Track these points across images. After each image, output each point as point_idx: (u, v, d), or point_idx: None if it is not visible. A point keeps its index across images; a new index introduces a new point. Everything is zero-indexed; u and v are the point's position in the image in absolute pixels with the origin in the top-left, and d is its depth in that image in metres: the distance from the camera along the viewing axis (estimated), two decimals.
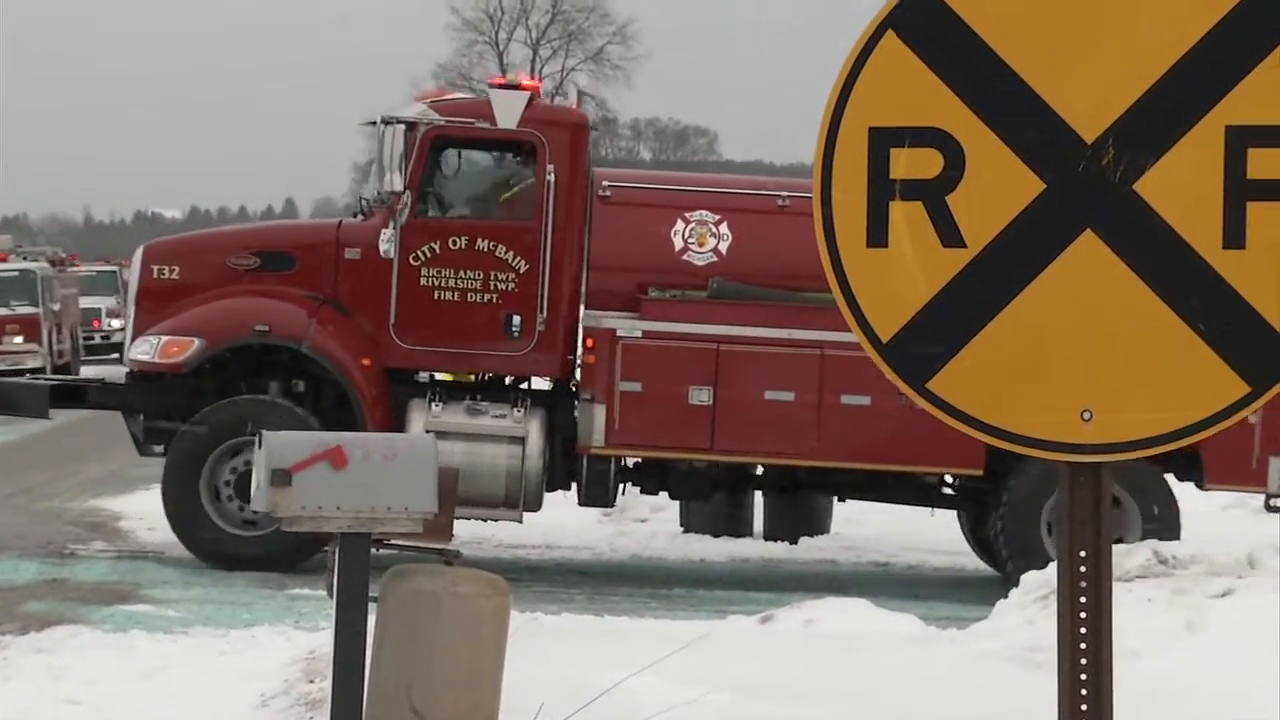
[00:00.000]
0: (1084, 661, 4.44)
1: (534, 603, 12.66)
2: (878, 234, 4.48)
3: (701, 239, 14.55)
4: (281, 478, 6.38)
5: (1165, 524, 14.22)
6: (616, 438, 14.35)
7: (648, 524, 17.54)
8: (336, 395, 14.59)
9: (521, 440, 14.28)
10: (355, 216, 15.25)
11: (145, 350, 14.54)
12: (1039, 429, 4.45)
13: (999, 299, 4.43)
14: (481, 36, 72.14)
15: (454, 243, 14.52)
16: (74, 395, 15.26)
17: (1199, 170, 4.34)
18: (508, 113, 14.38)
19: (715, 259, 14.52)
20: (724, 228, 14.55)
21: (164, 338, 14.50)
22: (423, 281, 14.50)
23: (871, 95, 4.46)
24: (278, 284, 14.68)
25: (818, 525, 17.26)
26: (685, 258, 14.59)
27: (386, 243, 14.37)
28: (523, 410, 14.39)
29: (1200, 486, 14.69)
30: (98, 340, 44.53)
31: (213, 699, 9.00)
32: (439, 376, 14.98)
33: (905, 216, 4.46)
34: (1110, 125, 4.37)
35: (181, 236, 17.14)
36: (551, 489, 14.72)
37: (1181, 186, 4.35)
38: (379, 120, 14.35)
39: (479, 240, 14.53)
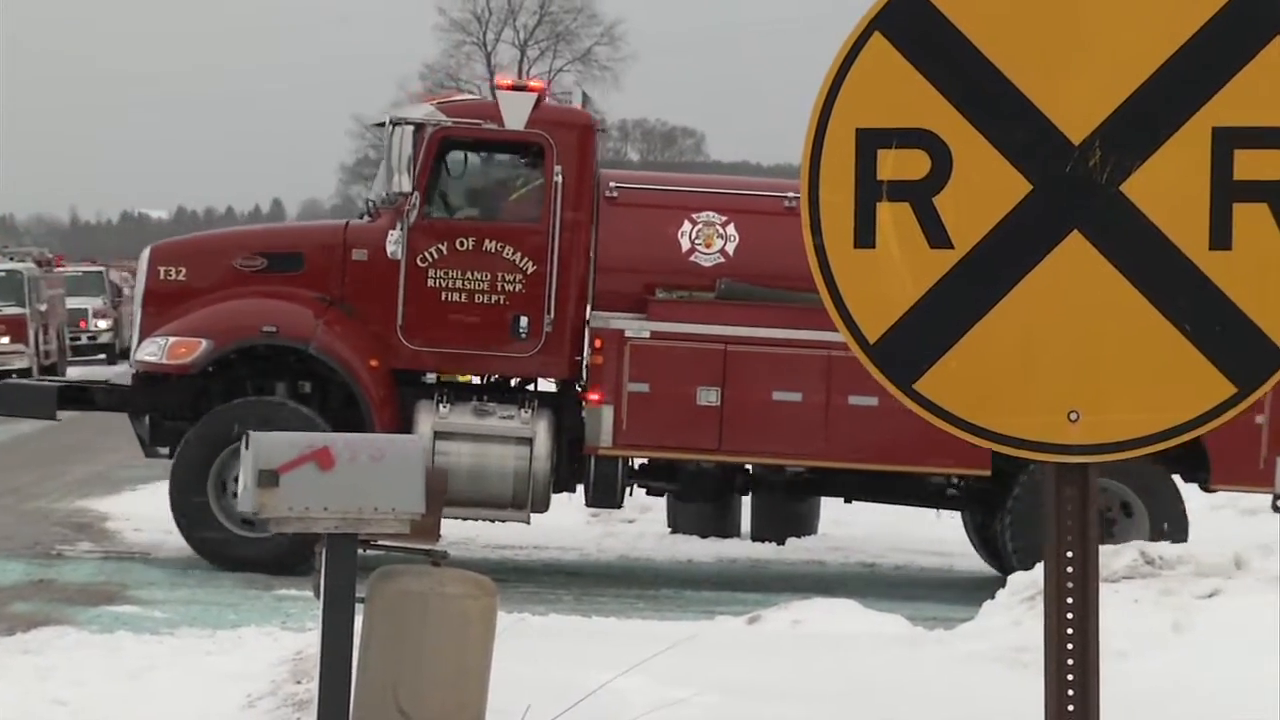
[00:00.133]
0: (1071, 662, 4.44)
1: (521, 603, 12.65)
2: (865, 235, 4.48)
3: (708, 240, 14.56)
4: (268, 478, 6.38)
5: (1173, 526, 14.21)
6: (624, 438, 14.35)
7: (635, 525, 17.54)
8: (343, 396, 14.58)
9: (529, 441, 14.28)
10: (361, 218, 15.25)
11: (152, 351, 14.52)
12: (1026, 430, 4.46)
13: (986, 300, 4.44)
14: (469, 37, 72.18)
15: (461, 244, 14.52)
16: (81, 396, 15.24)
17: (1186, 171, 4.35)
18: (515, 114, 14.37)
19: (722, 260, 14.53)
20: (731, 229, 14.57)
21: (171, 339, 14.48)
22: (430, 283, 14.49)
23: (858, 96, 4.46)
24: (285, 285, 14.66)
25: (805, 526, 17.27)
26: (692, 259, 14.61)
27: (394, 244, 14.38)
28: (530, 411, 14.39)
29: (1205, 487, 14.69)
30: (84, 341, 44.45)
31: (199, 700, 8.99)
32: (445, 377, 14.97)
33: (892, 217, 4.46)
34: (1097, 126, 4.37)
35: (188, 238, 17.13)
36: (558, 490, 14.72)
37: (1168, 188, 4.36)
38: (387, 121, 14.36)
39: (486, 241, 14.53)
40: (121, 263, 54.59)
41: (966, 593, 13.77)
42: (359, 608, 6.66)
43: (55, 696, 9.03)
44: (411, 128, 14.20)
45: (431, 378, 14.90)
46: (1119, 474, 14.13)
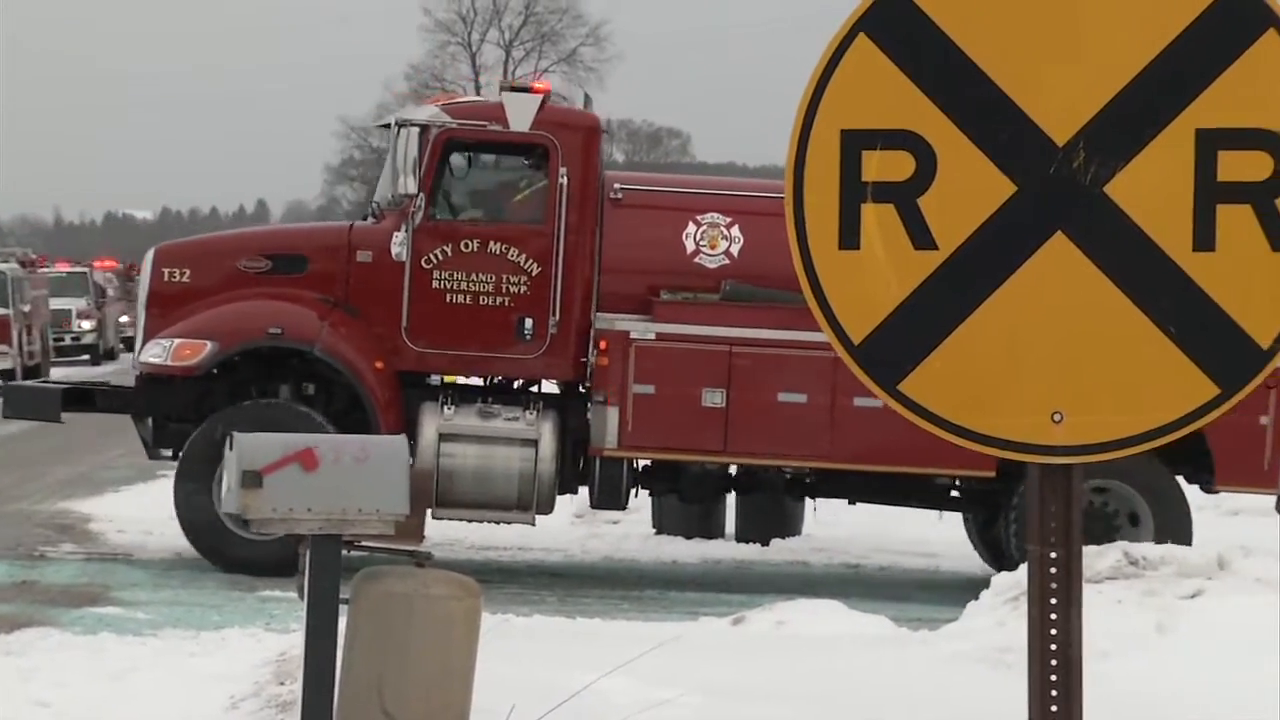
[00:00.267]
0: (1054, 663, 4.45)
1: (506, 604, 12.64)
2: (850, 236, 4.49)
3: (713, 241, 14.57)
4: (252, 479, 6.37)
5: (1178, 528, 14.21)
6: (629, 440, 14.35)
7: (620, 525, 17.53)
8: (347, 398, 14.56)
9: (534, 443, 14.26)
10: (365, 219, 15.22)
11: (157, 353, 14.49)
12: (1010, 431, 4.47)
13: (970, 301, 4.44)
14: (454, 38, 72.14)
15: (466, 245, 14.50)
16: (84, 398, 15.21)
17: (1169, 173, 4.36)
18: (520, 116, 14.35)
19: (727, 261, 14.54)
20: (735, 230, 14.57)
21: (176, 341, 14.45)
22: (435, 284, 14.47)
23: (843, 98, 4.47)
24: (289, 287, 14.63)
25: (789, 527, 17.27)
26: (697, 260, 14.62)
27: (398, 245, 14.36)
28: (535, 413, 14.38)
29: (1207, 489, 14.70)
30: (68, 342, 44.37)
31: (182, 701, 8.98)
32: (448, 379, 14.97)
33: (877, 219, 4.47)
34: (1081, 128, 4.38)
35: (192, 239, 17.10)
36: (561, 492, 14.72)
37: (1152, 189, 4.37)
38: (393, 123, 14.33)
39: (491, 243, 14.51)
40: (104, 263, 54.54)
41: (950, 593, 13.77)
42: (343, 609, 6.65)
43: (38, 698, 9.01)
44: (418, 129, 14.18)
45: (436, 379, 14.89)
46: (1128, 478, 14.16)
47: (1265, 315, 4.36)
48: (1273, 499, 14.45)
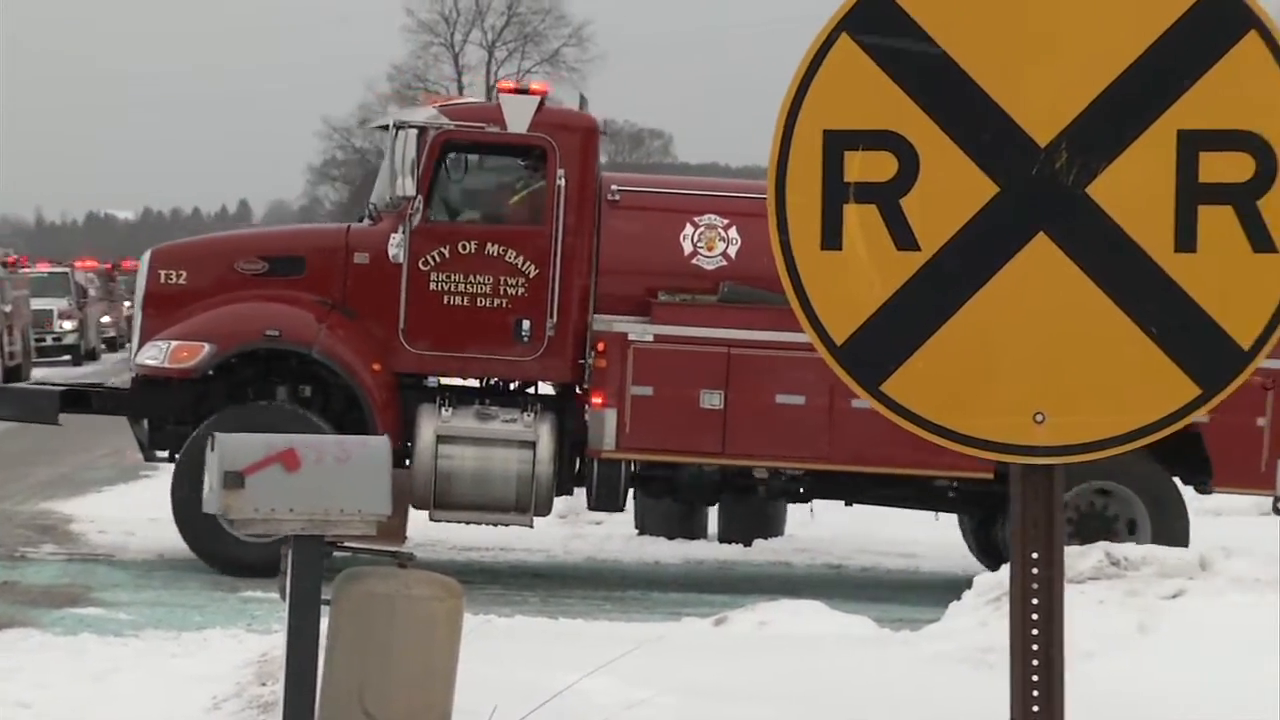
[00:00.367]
0: (1036, 663, 4.45)
1: (488, 605, 12.64)
2: (832, 237, 4.49)
3: (710, 243, 14.57)
4: (234, 480, 6.36)
5: (1175, 529, 14.23)
6: (627, 442, 14.35)
7: (602, 526, 17.53)
8: (344, 400, 14.54)
9: (532, 445, 14.26)
10: (361, 220, 15.19)
11: (154, 355, 14.46)
12: (992, 431, 4.47)
13: (952, 302, 4.45)
14: (437, 39, 72.12)
15: (464, 247, 14.49)
16: (81, 400, 15.17)
17: (1151, 174, 4.36)
18: (518, 117, 14.34)
19: (724, 263, 14.54)
20: (733, 232, 14.57)
21: (174, 343, 14.42)
22: (432, 286, 14.46)
23: (825, 98, 4.47)
24: (286, 289, 14.62)
25: (772, 527, 17.28)
26: (694, 262, 14.63)
27: (396, 247, 14.35)
28: (532, 415, 14.37)
29: (1203, 490, 14.73)
30: (49, 342, 44.26)
31: (164, 702, 8.96)
32: (446, 381, 14.96)
33: (859, 219, 4.47)
34: (1063, 129, 4.39)
35: (188, 241, 17.07)
36: (559, 493, 14.72)
37: (1134, 190, 4.37)
38: (391, 125, 14.31)
39: (489, 245, 14.50)
40: (86, 263, 54.41)
41: (932, 594, 13.78)
42: (325, 609, 6.65)
43: (18, 699, 8.98)
44: (415, 131, 14.16)
45: (433, 381, 14.88)
46: (1126, 480, 14.19)
47: (1246, 316, 4.37)
48: (1270, 501, 14.52)
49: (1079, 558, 10.98)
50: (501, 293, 14.47)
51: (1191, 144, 4.34)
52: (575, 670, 8.06)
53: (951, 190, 4.43)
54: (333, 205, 77.82)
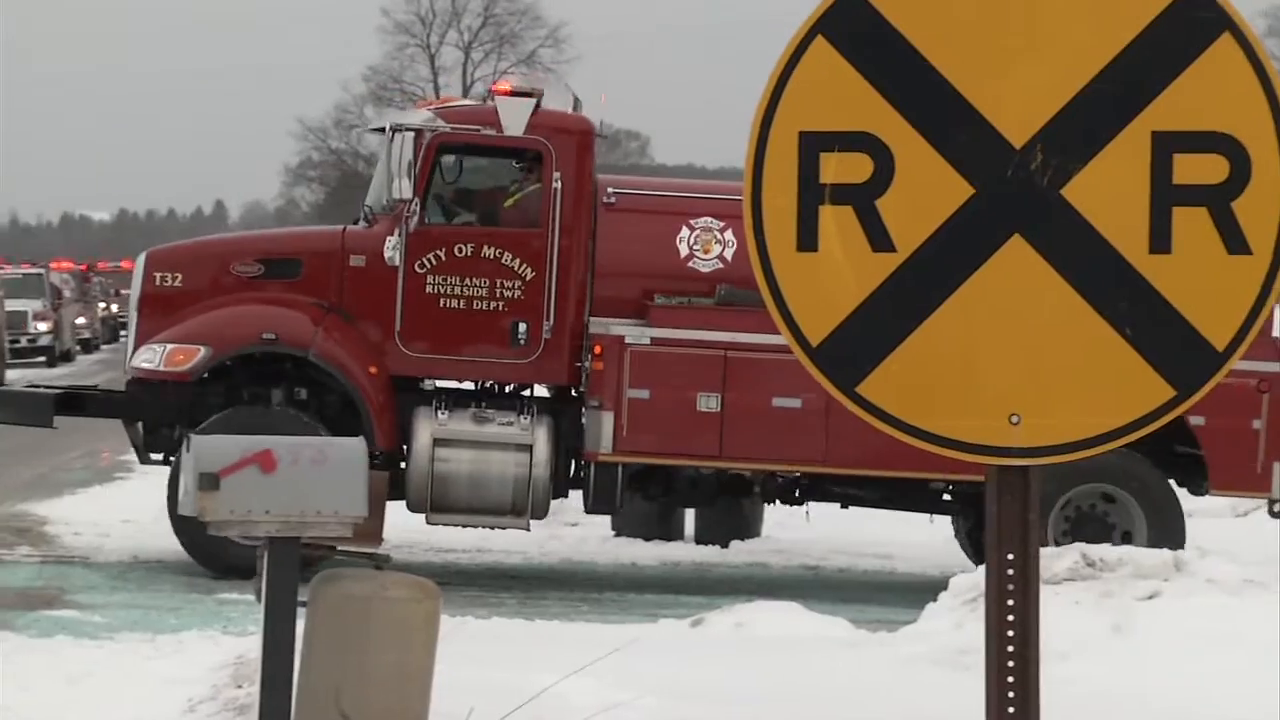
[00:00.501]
0: (1011, 664, 4.46)
1: (464, 606, 12.62)
2: (808, 238, 4.50)
3: (707, 246, 14.58)
4: (209, 482, 6.34)
5: (1171, 531, 14.25)
6: (624, 444, 14.34)
7: (579, 528, 17.52)
8: (340, 403, 14.52)
9: (529, 448, 14.25)
10: (356, 223, 15.17)
11: (149, 358, 14.42)
12: (967, 433, 4.48)
13: (928, 303, 4.45)
14: (413, 39, 71.95)
15: (460, 250, 14.47)
16: (76, 403, 15.11)
17: (1126, 175, 4.38)
18: (514, 120, 14.32)
19: (721, 265, 14.53)
20: (729, 234, 14.57)
21: (170, 345, 14.38)
22: (428, 289, 14.44)
23: (801, 100, 4.47)
24: (282, 291, 14.59)
25: (749, 529, 17.29)
26: (690, 264, 14.63)
27: (392, 250, 14.34)
28: (529, 418, 14.36)
29: (1197, 492, 14.76)
30: (24, 344, 44.11)
31: (139, 704, 8.94)
32: (441, 384, 14.95)
33: (835, 221, 4.47)
34: (1038, 131, 4.40)
35: (184, 243, 17.03)
36: (555, 496, 14.72)
37: (1108, 192, 4.39)
38: (387, 127, 14.29)
39: (485, 247, 14.49)
40: (61, 264, 54.26)
41: (909, 595, 13.80)
42: (301, 611, 6.63)
43: None
44: (412, 134, 14.14)
45: (430, 384, 14.87)
46: (1122, 482, 14.22)
47: (1220, 318, 4.38)
48: (1266, 503, 14.58)
49: (1054, 559, 11.00)
50: (498, 295, 14.46)
51: (1166, 146, 4.36)
52: (552, 672, 8.05)
53: (927, 192, 4.44)
54: (309, 207, 77.65)
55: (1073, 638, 9.46)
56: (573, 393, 14.68)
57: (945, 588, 11.22)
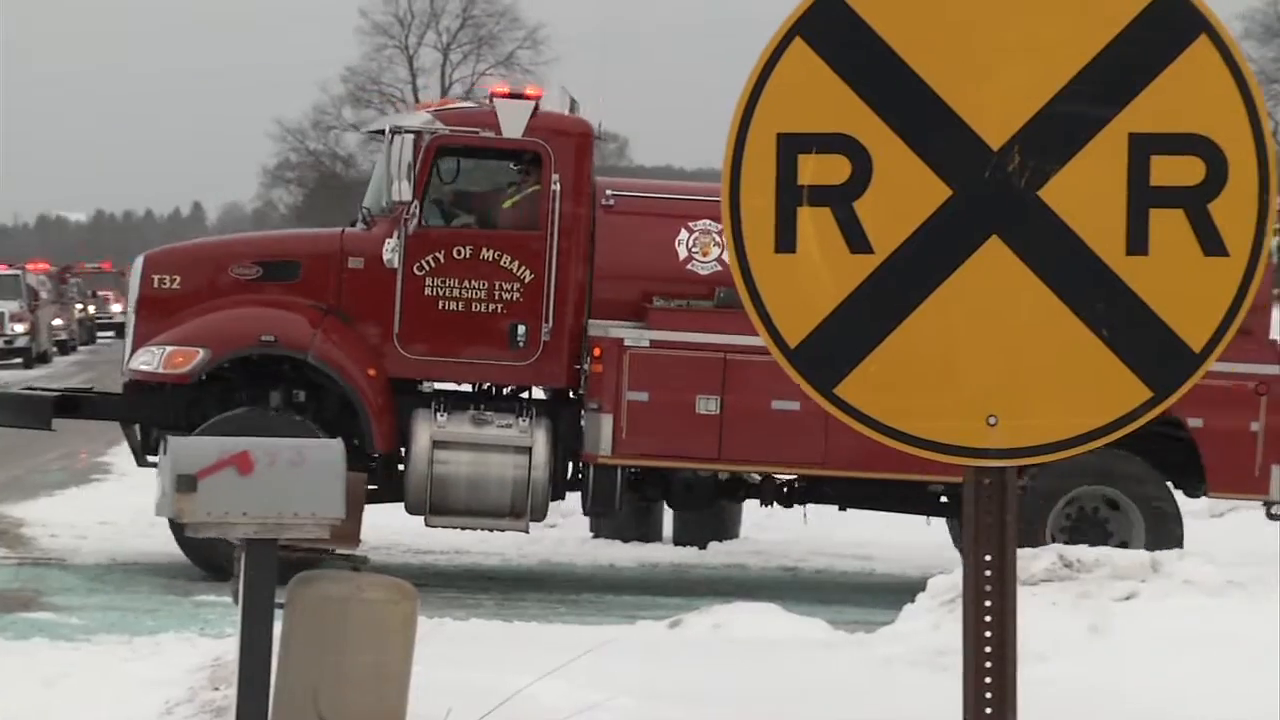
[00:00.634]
0: (989, 665, 4.47)
1: (442, 608, 12.60)
2: (786, 240, 4.50)
3: (705, 248, 14.59)
4: (186, 483, 6.32)
5: (1169, 532, 14.28)
6: (624, 447, 14.34)
7: (557, 529, 17.50)
8: (337, 405, 14.50)
9: (528, 450, 14.24)
10: (353, 225, 15.15)
11: (147, 360, 14.38)
12: (945, 434, 4.48)
13: (906, 305, 4.46)
14: (391, 41, 71.83)
15: (458, 252, 14.47)
16: (72, 405, 15.06)
17: (1103, 177, 4.38)
18: (513, 122, 14.31)
19: (720, 268, 14.53)
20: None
21: (168, 348, 14.36)
22: (427, 291, 14.44)
23: (779, 101, 4.48)
24: (281, 294, 14.58)
25: (727, 530, 17.30)
26: (689, 267, 14.64)
27: (390, 252, 14.33)
28: (528, 420, 14.36)
29: (1191, 494, 14.78)
30: (0, 346, 43.95)
31: (116, 706, 8.91)
32: (439, 386, 14.94)
33: (813, 222, 4.48)
34: (1016, 132, 4.40)
35: (182, 245, 17.01)
36: (553, 498, 14.71)
37: (1086, 193, 4.39)
38: (387, 130, 14.28)
39: (484, 250, 14.49)
40: (37, 265, 54.08)
41: (887, 596, 13.81)
42: (278, 613, 6.62)
43: None
44: (412, 136, 14.13)
45: (428, 386, 14.86)
46: (1120, 484, 14.25)
47: (1197, 319, 4.39)
48: (1263, 505, 14.63)
49: (1032, 560, 11.02)
50: (497, 297, 14.46)
51: (1143, 147, 4.36)
52: (530, 673, 8.05)
53: (905, 193, 4.44)
54: (287, 208, 77.50)
55: (1050, 638, 9.48)
56: (570, 395, 14.68)
57: (923, 589, 11.24)
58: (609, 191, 14.81)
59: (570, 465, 14.69)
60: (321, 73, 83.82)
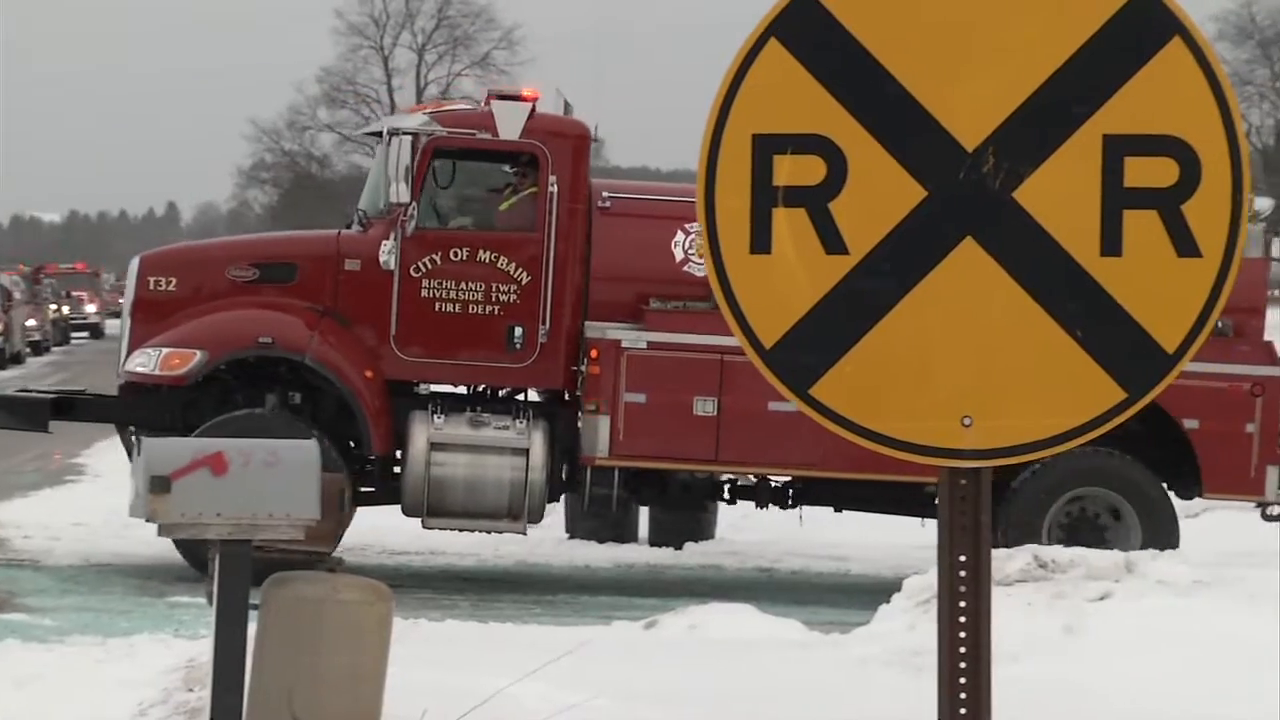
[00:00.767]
0: (963, 665, 4.47)
1: (417, 609, 12.58)
2: (761, 240, 4.50)
3: (701, 250, 14.57)
4: (160, 484, 6.31)
5: (1165, 533, 14.30)
6: (621, 449, 14.33)
7: (532, 530, 17.48)
8: (334, 407, 14.47)
9: (525, 452, 14.23)
10: (349, 226, 15.13)
11: (144, 362, 14.34)
12: (920, 434, 4.49)
13: (880, 306, 4.46)
14: (367, 41, 71.74)
15: (455, 254, 14.46)
16: (68, 408, 15.00)
17: (1077, 178, 4.39)
18: (510, 124, 14.30)
19: None
20: None
21: (165, 349, 14.31)
22: (424, 293, 14.41)
23: (754, 102, 4.48)
24: (277, 296, 14.54)
25: (703, 531, 17.30)
26: (686, 269, 14.65)
27: (387, 254, 14.31)
28: (525, 422, 14.35)
29: (1185, 496, 14.80)
30: None
31: (90, 708, 8.88)
32: (436, 388, 14.92)
33: (788, 223, 4.48)
34: (990, 134, 4.41)
35: (178, 247, 16.97)
36: (550, 500, 14.70)
37: (1060, 195, 4.40)
38: (384, 131, 14.26)
39: (480, 251, 14.47)
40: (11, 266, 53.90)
41: (862, 597, 13.83)
42: (253, 614, 6.60)
43: None
44: (410, 138, 14.11)
45: (424, 388, 14.84)
46: (1116, 485, 14.27)
47: (1171, 320, 4.40)
48: (1257, 506, 14.67)
49: (1006, 560, 11.05)
50: (494, 299, 14.46)
51: (1117, 149, 4.37)
52: (506, 674, 8.04)
53: (879, 195, 4.44)
54: (262, 209, 77.34)
55: (1025, 639, 9.50)
56: (565, 397, 14.68)
57: (899, 589, 11.25)
58: (605, 193, 14.82)
59: (566, 467, 14.68)
60: (296, 73, 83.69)
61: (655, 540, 17.07)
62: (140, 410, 14.55)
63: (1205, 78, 4.36)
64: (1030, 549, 11.59)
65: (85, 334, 62.34)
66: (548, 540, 17.12)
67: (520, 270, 14.45)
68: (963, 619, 4.47)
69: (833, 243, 4.46)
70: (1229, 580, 10.96)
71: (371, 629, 6.75)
